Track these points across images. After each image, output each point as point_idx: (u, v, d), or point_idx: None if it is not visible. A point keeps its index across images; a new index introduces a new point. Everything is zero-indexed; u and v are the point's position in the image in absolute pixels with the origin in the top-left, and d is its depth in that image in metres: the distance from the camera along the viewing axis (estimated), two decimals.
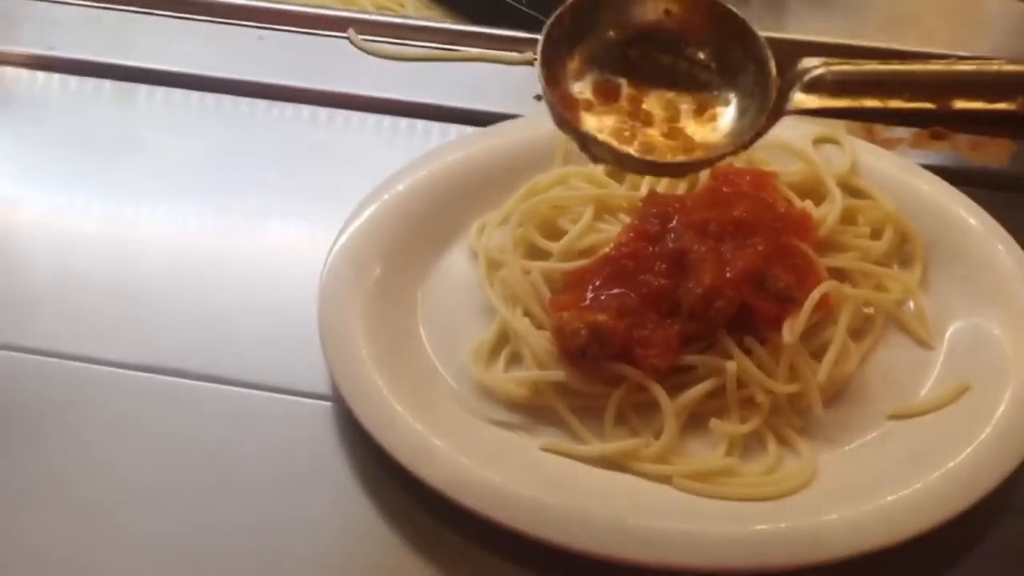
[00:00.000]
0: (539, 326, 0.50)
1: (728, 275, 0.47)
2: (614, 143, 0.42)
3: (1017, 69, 0.40)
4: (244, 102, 0.63)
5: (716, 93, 0.42)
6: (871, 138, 0.59)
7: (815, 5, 0.61)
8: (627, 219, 0.52)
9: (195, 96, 0.63)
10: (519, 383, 0.48)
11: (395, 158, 0.57)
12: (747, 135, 0.42)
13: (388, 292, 0.51)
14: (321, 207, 0.59)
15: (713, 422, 0.47)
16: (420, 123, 0.62)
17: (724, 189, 0.52)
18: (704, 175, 0.53)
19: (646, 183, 0.54)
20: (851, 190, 0.54)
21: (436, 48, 0.64)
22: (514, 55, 0.64)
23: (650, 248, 0.49)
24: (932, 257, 0.53)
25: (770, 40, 0.59)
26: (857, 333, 0.50)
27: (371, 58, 0.64)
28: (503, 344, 0.50)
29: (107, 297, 0.54)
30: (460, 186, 0.55)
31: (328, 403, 0.49)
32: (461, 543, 0.45)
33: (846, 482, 0.45)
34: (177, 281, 0.55)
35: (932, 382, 0.49)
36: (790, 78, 0.41)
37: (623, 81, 0.43)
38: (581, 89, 0.42)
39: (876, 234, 0.53)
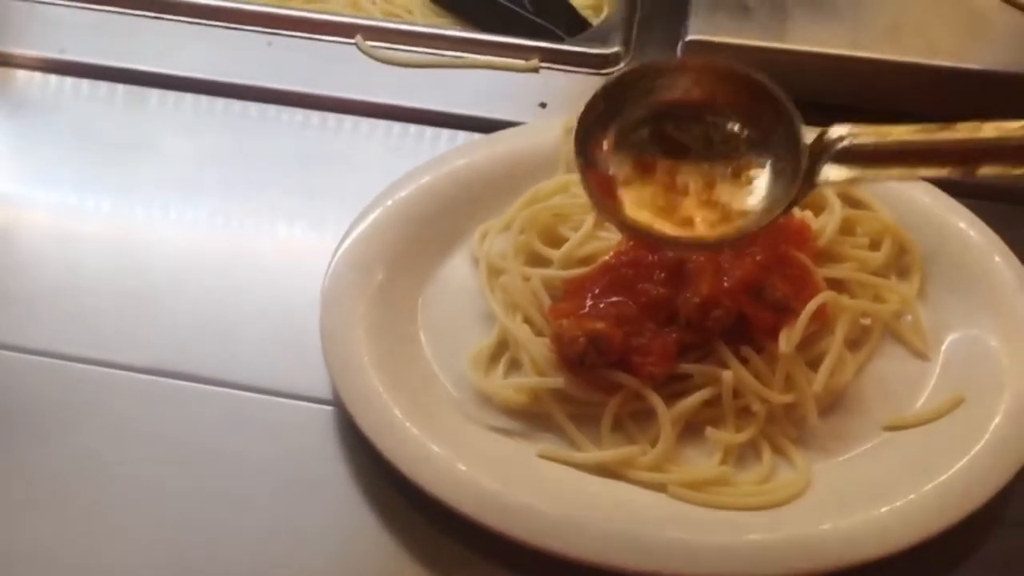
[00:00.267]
0: (539, 333, 0.50)
1: (725, 285, 0.48)
2: (653, 226, 0.42)
3: None
4: (252, 107, 0.64)
5: (750, 157, 0.43)
6: None
7: (817, 15, 0.61)
8: None
9: (203, 100, 0.64)
10: (518, 390, 0.49)
11: (401, 164, 0.58)
12: (782, 202, 0.42)
13: (390, 297, 0.52)
14: (327, 212, 0.60)
15: (709, 431, 0.47)
16: (426, 129, 0.63)
17: None
18: None
19: None
20: (850, 201, 0.54)
21: (442, 55, 0.65)
22: (520, 62, 0.64)
23: (649, 257, 0.50)
24: (930, 268, 0.53)
25: (770, 50, 0.60)
26: (854, 343, 0.50)
27: (378, 64, 0.65)
28: (503, 351, 0.51)
29: (111, 299, 0.55)
30: (463, 192, 0.56)
31: (330, 407, 0.50)
32: (459, 550, 0.45)
33: (840, 492, 0.46)
34: (181, 284, 0.55)
35: (928, 393, 0.49)
36: (820, 147, 0.41)
37: (657, 155, 0.43)
38: (617, 167, 0.43)
39: (875, 245, 0.53)
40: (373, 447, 0.47)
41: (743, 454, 0.48)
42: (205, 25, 0.67)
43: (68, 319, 0.54)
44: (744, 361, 0.48)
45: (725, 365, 0.48)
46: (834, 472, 0.47)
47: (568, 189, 0.55)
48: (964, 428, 0.47)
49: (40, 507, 0.47)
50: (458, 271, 0.54)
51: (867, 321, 0.51)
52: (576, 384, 0.48)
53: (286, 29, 0.66)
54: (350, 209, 0.55)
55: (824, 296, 0.49)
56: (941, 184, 0.56)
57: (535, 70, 0.64)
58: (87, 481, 0.48)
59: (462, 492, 0.45)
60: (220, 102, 0.64)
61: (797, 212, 0.53)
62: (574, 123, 0.56)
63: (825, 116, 0.60)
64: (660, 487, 0.46)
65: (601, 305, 0.49)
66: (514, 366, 0.50)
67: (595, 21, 0.71)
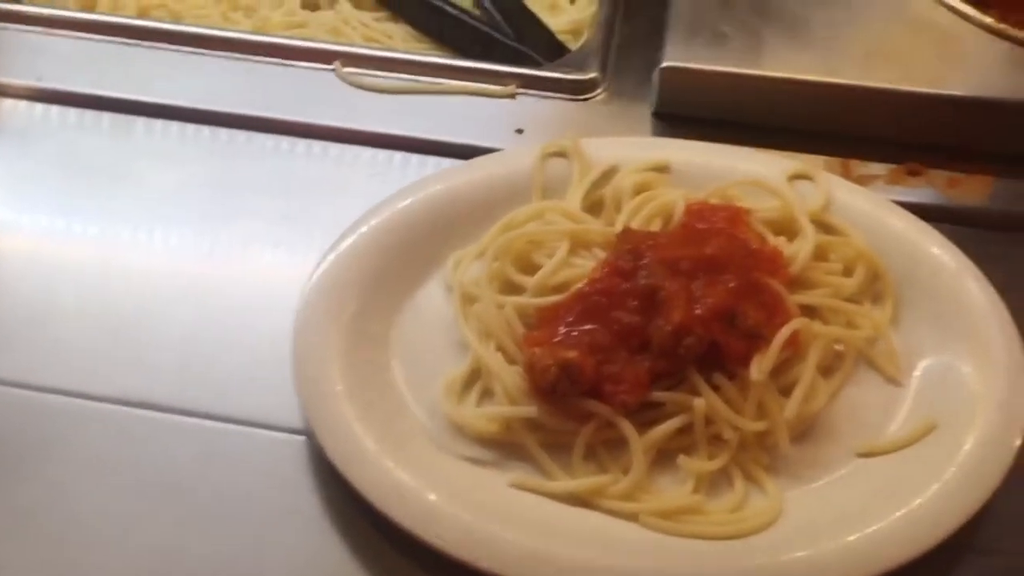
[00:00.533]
0: (512, 361, 0.50)
1: (698, 312, 0.48)
2: None
3: None
4: (229, 133, 0.64)
5: None
6: (847, 174, 0.59)
7: (793, 43, 0.61)
8: (602, 254, 0.53)
9: (180, 127, 0.64)
10: (490, 419, 0.49)
11: (379, 190, 0.58)
12: None
13: (363, 326, 0.52)
14: (303, 239, 0.59)
15: (681, 459, 0.47)
16: (404, 155, 0.63)
17: (698, 226, 0.52)
18: (679, 211, 0.54)
19: (622, 219, 0.54)
20: (824, 227, 0.54)
21: (420, 81, 0.65)
22: (497, 88, 0.65)
23: (623, 285, 0.50)
24: (903, 294, 0.53)
25: (746, 77, 0.60)
26: (827, 370, 0.50)
27: (356, 90, 0.65)
28: (476, 379, 0.51)
29: (85, 328, 0.55)
30: (438, 219, 0.56)
31: (302, 437, 0.50)
32: None
33: (812, 520, 0.46)
34: (155, 313, 0.55)
35: (901, 419, 0.49)
36: None
37: None
38: None
39: (848, 271, 0.53)
40: (343, 478, 0.46)
41: (715, 482, 0.47)
42: (184, 52, 0.67)
43: (41, 349, 0.54)
44: (716, 388, 0.48)
45: (697, 393, 0.48)
46: (807, 499, 0.47)
47: (543, 215, 0.55)
48: (936, 454, 0.47)
49: (7, 539, 0.47)
50: (432, 298, 0.54)
51: (840, 347, 0.51)
52: (548, 413, 0.48)
53: (265, 56, 0.66)
54: (327, 236, 0.55)
55: (796, 323, 0.49)
56: (914, 208, 0.56)
57: (512, 96, 0.64)
58: (56, 514, 0.48)
59: (432, 523, 0.45)
60: (198, 129, 0.64)
61: (770, 238, 0.53)
62: (550, 149, 0.57)
63: (797, 142, 0.61)
64: (632, 516, 0.46)
65: (574, 333, 0.49)
66: (487, 395, 0.50)
67: (573, 47, 0.71)
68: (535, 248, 0.54)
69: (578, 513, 0.47)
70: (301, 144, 0.63)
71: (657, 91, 0.62)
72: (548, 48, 0.72)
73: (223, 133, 0.64)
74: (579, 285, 0.51)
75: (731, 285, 0.49)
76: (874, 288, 0.53)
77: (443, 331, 0.53)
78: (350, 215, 0.56)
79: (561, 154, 0.58)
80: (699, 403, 0.47)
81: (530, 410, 0.48)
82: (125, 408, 0.51)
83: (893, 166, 0.60)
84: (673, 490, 0.47)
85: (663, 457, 0.48)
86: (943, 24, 0.62)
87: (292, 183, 0.61)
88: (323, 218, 0.59)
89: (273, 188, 0.61)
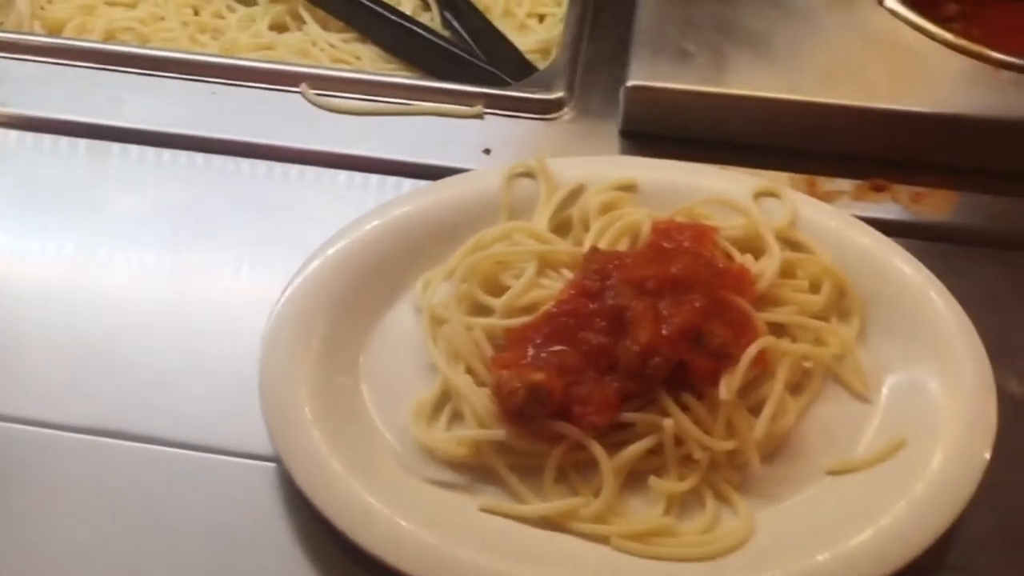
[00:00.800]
0: (481, 383, 0.50)
1: (664, 332, 0.48)
2: None
3: None
4: (196, 157, 0.63)
5: None
6: (812, 190, 0.60)
7: (756, 60, 0.62)
8: (570, 274, 0.53)
9: (146, 151, 0.63)
10: (459, 443, 0.49)
11: (346, 212, 0.57)
12: None
13: (331, 350, 0.51)
14: (271, 262, 0.59)
15: (652, 480, 0.47)
16: (371, 177, 0.63)
17: (664, 245, 0.53)
18: (646, 230, 0.54)
19: (589, 238, 0.54)
20: (790, 244, 0.55)
21: (387, 102, 0.65)
22: (464, 109, 0.65)
23: (590, 305, 0.50)
24: (870, 310, 0.53)
25: (710, 95, 0.61)
26: (796, 387, 0.50)
27: (323, 113, 0.65)
28: (445, 402, 0.50)
29: (50, 357, 0.54)
30: (406, 241, 0.56)
31: (272, 464, 0.49)
32: None
33: (783, 539, 0.46)
34: (121, 340, 0.55)
35: (870, 436, 0.49)
36: None
37: None
38: None
39: (814, 288, 0.53)
40: (312, 504, 0.46)
41: (687, 502, 0.47)
42: (148, 76, 0.66)
43: (7, 378, 0.53)
44: (686, 408, 0.48)
45: (666, 413, 0.48)
46: (777, 519, 0.47)
47: (510, 236, 0.55)
48: (905, 471, 0.47)
49: None
50: (402, 321, 0.54)
51: (808, 365, 0.51)
52: (518, 435, 0.48)
53: (231, 79, 0.66)
54: (294, 259, 0.55)
55: (764, 341, 0.49)
56: (879, 224, 0.56)
57: (479, 116, 0.64)
58: (20, 547, 0.47)
59: (402, 549, 0.45)
60: (163, 153, 0.63)
61: (737, 256, 0.53)
62: (517, 170, 0.57)
63: (763, 159, 0.61)
64: (604, 539, 0.46)
65: (543, 355, 0.49)
66: (457, 417, 0.50)
67: (542, 66, 0.71)
68: (503, 269, 0.54)
69: (549, 536, 0.46)
70: (268, 167, 0.63)
71: (623, 110, 0.62)
72: (517, 68, 0.72)
73: (190, 156, 0.63)
74: (547, 306, 0.51)
75: (697, 304, 0.49)
76: (841, 305, 0.53)
77: (413, 353, 0.52)
78: (317, 238, 0.56)
79: (528, 174, 0.58)
80: (668, 423, 0.47)
81: (499, 433, 0.48)
82: (91, 437, 0.51)
83: (858, 182, 0.61)
84: (644, 512, 0.47)
85: (634, 478, 0.48)
86: (904, 40, 0.63)
87: (259, 206, 0.61)
88: (290, 241, 0.58)
89: (240, 211, 0.61)
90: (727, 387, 0.47)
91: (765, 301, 0.52)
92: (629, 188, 0.57)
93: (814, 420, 0.50)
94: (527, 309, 0.52)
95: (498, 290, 0.53)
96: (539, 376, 0.47)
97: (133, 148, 0.64)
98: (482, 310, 0.53)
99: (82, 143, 0.64)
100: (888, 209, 0.60)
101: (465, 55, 0.72)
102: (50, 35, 0.72)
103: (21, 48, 0.67)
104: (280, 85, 0.66)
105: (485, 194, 0.57)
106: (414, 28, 0.73)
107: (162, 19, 0.75)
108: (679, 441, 0.48)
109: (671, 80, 0.61)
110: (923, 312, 0.52)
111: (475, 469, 0.48)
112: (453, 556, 0.44)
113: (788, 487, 0.48)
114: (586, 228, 0.55)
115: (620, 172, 0.57)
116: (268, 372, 0.50)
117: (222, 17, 0.75)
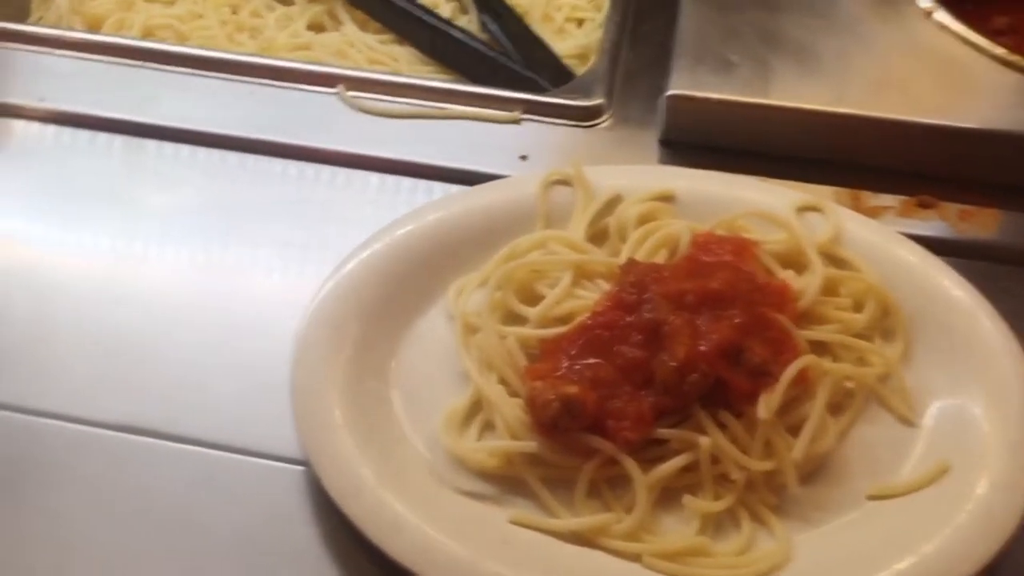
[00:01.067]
0: (513, 394, 0.49)
1: (702, 349, 0.47)
2: None
3: None
4: (230, 156, 0.63)
5: None
6: (857, 206, 0.58)
7: (802, 71, 0.60)
8: (606, 285, 0.52)
9: (182, 149, 0.63)
10: (490, 453, 0.48)
11: (380, 216, 0.57)
12: None
13: (363, 354, 0.51)
14: (304, 265, 0.59)
15: (686, 499, 0.46)
16: (406, 181, 0.62)
17: (704, 258, 0.51)
18: (685, 242, 0.53)
19: (626, 250, 0.53)
20: (834, 260, 0.53)
21: (424, 106, 0.64)
22: (501, 114, 0.64)
23: (626, 318, 0.49)
24: (915, 331, 0.52)
25: (753, 106, 0.60)
26: (836, 408, 0.49)
27: (359, 114, 0.64)
28: (477, 411, 0.50)
29: (83, 353, 0.54)
30: (440, 246, 0.55)
31: (301, 468, 0.49)
32: None
33: (820, 564, 0.44)
34: (155, 338, 0.54)
35: (913, 461, 0.48)
36: None
37: None
38: None
39: (858, 306, 0.52)
40: (340, 510, 0.45)
41: (722, 522, 0.46)
42: (187, 74, 0.66)
43: (39, 373, 0.53)
44: (723, 427, 0.47)
45: (703, 430, 0.47)
46: (815, 543, 0.46)
47: (546, 245, 0.54)
48: (948, 498, 0.46)
49: (1, 568, 0.46)
50: (434, 327, 0.53)
51: (850, 385, 0.50)
52: (550, 448, 0.47)
53: (268, 79, 0.66)
54: (327, 262, 0.54)
55: (805, 360, 0.48)
56: (925, 242, 0.55)
57: (517, 122, 0.64)
58: (52, 542, 0.47)
59: (430, 559, 0.44)
60: (200, 151, 0.63)
61: (778, 272, 0.52)
62: (553, 177, 0.56)
63: (807, 172, 0.60)
64: (635, 557, 0.45)
65: (577, 367, 0.48)
66: (488, 427, 0.49)
67: (580, 72, 0.70)
68: (538, 278, 0.53)
69: (579, 552, 0.45)
70: (303, 168, 0.63)
71: (663, 118, 0.61)
72: (554, 73, 0.71)
73: (224, 156, 0.63)
74: (582, 317, 0.50)
75: (737, 320, 0.48)
76: (885, 324, 0.52)
77: (445, 361, 0.52)
78: (351, 241, 0.55)
79: (565, 182, 0.57)
80: (704, 441, 0.46)
81: (531, 445, 0.47)
82: (122, 435, 0.51)
83: (904, 198, 0.59)
84: (678, 530, 0.46)
85: (668, 496, 0.47)
86: (955, 55, 0.61)
87: (293, 207, 0.61)
88: (324, 243, 0.58)
89: (274, 212, 0.60)
90: (766, 406, 0.46)
91: (807, 319, 0.51)
92: (668, 199, 0.56)
93: (855, 442, 0.49)
94: (562, 319, 0.51)
95: (533, 299, 0.52)
96: (573, 389, 0.46)
97: (169, 146, 0.63)
98: (515, 319, 0.52)
99: (118, 139, 0.64)
100: (935, 226, 0.58)
101: (502, 59, 0.72)
102: (88, 31, 0.72)
103: (59, 43, 0.67)
104: (316, 86, 0.65)
105: (521, 201, 0.56)
106: (451, 31, 0.72)
107: (200, 17, 0.74)
108: (715, 460, 0.47)
109: (713, 90, 0.60)
110: (970, 334, 0.50)
111: (506, 481, 0.48)
112: (482, 569, 0.44)
113: (827, 511, 0.47)
114: (623, 239, 0.54)
115: (659, 182, 0.56)
116: (300, 375, 0.49)
117: (260, 16, 0.75)
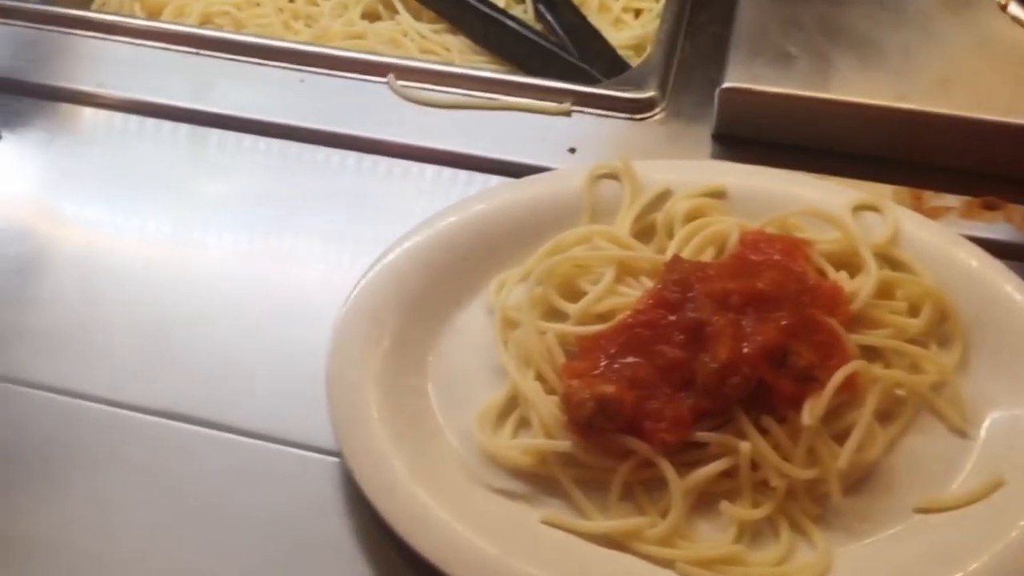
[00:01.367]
0: (550, 391, 0.48)
1: (745, 351, 0.45)
2: None
3: None
4: (280, 144, 0.63)
5: None
6: (917, 206, 0.56)
7: (864, 65, 0.58)
8: (649, 283, 0.50)
9: (232, 137, 0.63)
10: (524, 451, 0.47)
11: (427, 207, 0.56)
12: None
13: (401, 347, 0.50)
14: (348, 254, 0.59)
15: (724, 505, 0.45)
16: (454, 172, 0.61)
17: (752, 257, 0.50)
18: (733, 240, 0.51)
19: (672, 246, 0.52)
20: (890, 262, 0.51)
21: (474, 96, 0.64)
22: (551, 106, 0.63)
23: (668, 317, 0.47)
24: (974, 338, 0.49)
25: (811, 100, 0.58)
26: (886, 416, 0.47)
27: (409, 104, 0.64)
28: (513, 407, 0.49)
29: (128, 338, 0.55)
30: (483, 239, 0.54)
31: (335, 459, 0.49)
32: None
33: None
34: (200, 325, 0.55)
35: (965, 474, 0.46)
36: None
37: None
38: None
39: (914, 310, 0.50)
40: (370, 503, 0.45)
41: (759, 531, 0.45)
42: (239, 62, 0.66)
43: (86, 356, 0.54)
44: (764, 432, 0.45)
45: (743, 435, 0.45)
46: (858, 556, 0.44)
47: (590, 240, 0.53)
48: (1000, 514, 0.44)
49: (40, 549, 0.47)
50: (474, 321, 0.52)
51: (902, 393, 0.48)
52: (585, 448, 0.46)
53: (319, 67, 0.66)
54: (371, 252, 0.54)
55: (853, 366, 0.46)
56: (989, 245, 0.52)
57: (567, 114, 0.63)
58: (91, 526, 0.48)
59: (459, 556, 0.43)
60: (250, 139, 0.63)
61: (831, 273, 0.50)
62: (600, 171, 0.55)
63: (866, 170, 0.58)
64: (668, 563, 0.44)
65: (615, 366, 0.47)
66: (523, 424, 0.48)
67: (636, 63, 0.69)
68: (581, 273, 0.52)
69: (611, 555, 0.44)
70: (351, 157, 0.62)
71: (717, 112, 0.60)
72: (609, 64, 0.70)
73: (274, 144, 0.63)
74: (623, 315, 0.48)
75: (783, 322, 0.46)
76: (942, 330, 0.50)
77: (483, 355, 0.51)
78: (396, 231, 0.55)
79: (612, 175, 0.56)
80: (744, 446, 0.45)
81: (565, 444, 0.46)
82: (159, 419, 0.51)
83: (968, 198, 0.57)
84: (713, 537, 0.45)
85: (704, 501, 0.46)
86: None
87: (340, 197, 0.61)
88: (369, 233, 0.58)
89: (320, 201, 0.60)
90: (811, 412, 0.45)
91: (859, 322, 0.49)
92: (718, 195, 0.54)
93: (904, 453, 0.47)
94: (603, 317, 0.50)
95: (575, 295, 0.51)
96: (610, 389, 0.45)
97: (219, 133, 0.64)
98: (557, 315, 0.51)
99: (171, 126, 0.64)
100: (999, 229, 0.56)
101: (556, 50, 0.70)
102: (147, 18, 0.73)
103: (118, 30, 0.68)
104: (367, 75, 0.65)
105: (567, 195, 0.55)
106: (506, 21, 0.71)
107: (258, 4, 0.75)
108: (755, 466, 0.45)
109: (770, 83, 0.58)
110: None
111: (539, 479, 0.47)
112: (510, 568, 0.43)
113: (871, 522, 0.45)
114: (670, 235, 0.53)
115: (709, 177, 0.55)
116: (336, 368, 0.49)
117: (316, 4, 0.75)
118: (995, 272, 0.51)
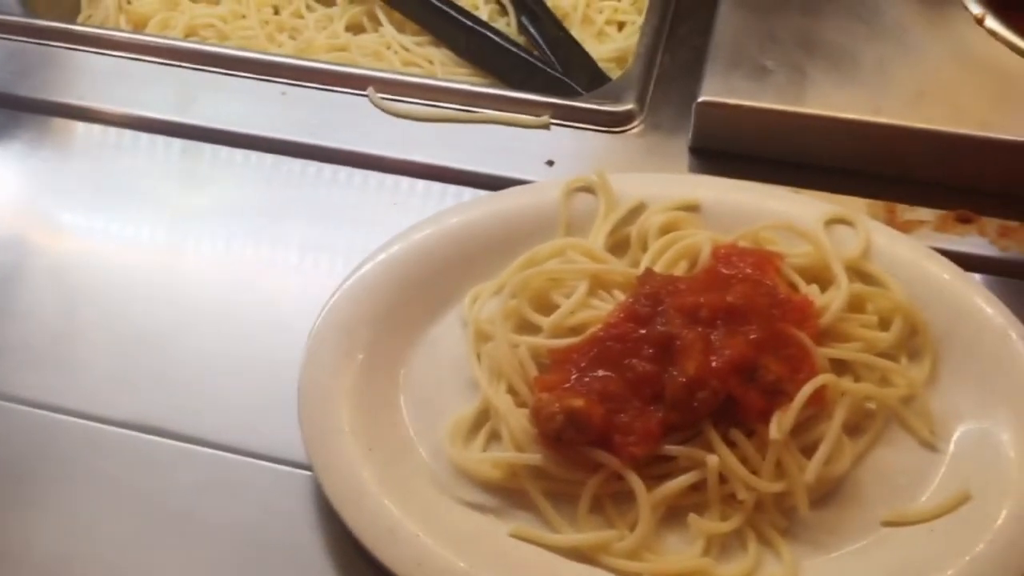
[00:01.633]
0: (522, 404, 0.48)
1: (714, 364, 0.45)
2: None
3: None
4: (258, 157, 0.63)
5: None
6: (891, 219, 0.56)
7: (839, 79, 0.58)
8: (622, 296, 0.51)
9: (208, 149, 0.64)
10: (494, 464, 0.47)
11: (404, 219, 0.57)
12: None
13: (374, 360, 0.51)
14: (326, 266, 0.59)
15: (691, 518, 0.45)
16: (432, 184, 0.62)
17: (723, 271, 0.50)
18: (705, 254, 0.51)
19: (645, 260, 0.52)
20: (861, 275, 0.51)
21: (453, 109, 0.64)
22: (530, 118, 0.63)
23: (639, 330, 0.48)
24: (944, 351, 0.50)
25: (787, 114, 0.58)
26: (855, 430, 0.47)
27: (388, 117, 0.64)
28: (484, 420, 0.49)
29: (105, 351, 0.55)
30: (458, 251, 0.54)
31: (309, 472, 0.49)
32: None
33: None
34: (172, 337, 0.55)
35: (933, 488, 0.46)
36: None
37: None
38: None
39: (884, 324, 0.50)
40: (339, 515, 0.45)
41: (727, 544, 0.45)
42: (221, 74, 0.67)
43: (61, 369, 0.54)
44: (732, 445, 0.46)
45: (712, 449, 0.45)
46: (825, 569, 0.44)
47: (565, 253, 0.53)
48: (967, 527, 0.44)
49: (10, 562, 0.47)
50: (447, 334, 0.53)
51: (872, 406, 0.48)
52: (554, 461, 0.46)
53: (300, 80, 0.66)
54: (348, 264, 0.54)
55: (822, 379, 0.46)
56: (962, 258, 0.52)
57: (546, 126, 0.63)
58: (62, 538, 0.48)
59: (427, 570, 0.44)
60: (223, 150, 0.63)
61: (802, 286, 0.50)
62: (576, 184, 0.56)
63: (841, 183, 0.58)
64: None
65: (586, 379, 0.47)
66: (495, 437, 0.49)
67: (616, 76, 0.69)
68: (554, 286, 0.52)
69: (580, 569, 0.45)
70: (329, 170, 0.63)
71: (693, 126, 0.60)
72: (591, 77, 0.70)
73: (252, 156, 0.64)
74: (594, 328, 0.49)
75: (752, 336, 0.46)
76: (912, 344, 0.50)
77: (455, 369, 0.51)
78: (372, 243, 0.55)
79: (588, 189, 0.56)
80: (712, 460, 0.45)
81: (535, 457, 0.46)
82: (132, 432, 0.51)
83: (942, 212, 0.57)
84: (682, 550, 0.45)
85: (673, 515, 0.46)
86: (1003, 63, 0.59)
87: (318, 209, 0.61)
88: (345, 246, 0.58)
89: (299, 214, 0.61)
90: (778, 426, 0.45)
91: (829, 336, 0.49)
92: (692, 208, 0.55)
93: (873, 466, 0.47)
94: (575, 330, 0.50)
95: (548, 308, 0.52)
96: (579, 402, 0.45)
97: (199, 145, 0.64)
98: (530, 328, 0.51)
99: (153, 138, 0.64)
100: (973, 243, 0.56)
101: (538, 62, 0.71)
102: (129, 31, 0.74)
103: (103, 43, 0.68)
104: (348, 88, 0.65)
105: (543, 207, 0.55)
106: (488, 33, 0.72)
107: (243, 17, 0.75)
108: (723, 479, 0.45)
109: (746, 97, 0.58)
110: (1001, 356, 0.48)
111: (509, 493, 0.47)
112: None
113: (839, 536, 0.45)
114: (644, 248, 0.53)
115: (684, 191, 0.55)
116: (308, 380, 0.49)
117: (301, 17, 0.75)
118: (966, 286, 0.51)
